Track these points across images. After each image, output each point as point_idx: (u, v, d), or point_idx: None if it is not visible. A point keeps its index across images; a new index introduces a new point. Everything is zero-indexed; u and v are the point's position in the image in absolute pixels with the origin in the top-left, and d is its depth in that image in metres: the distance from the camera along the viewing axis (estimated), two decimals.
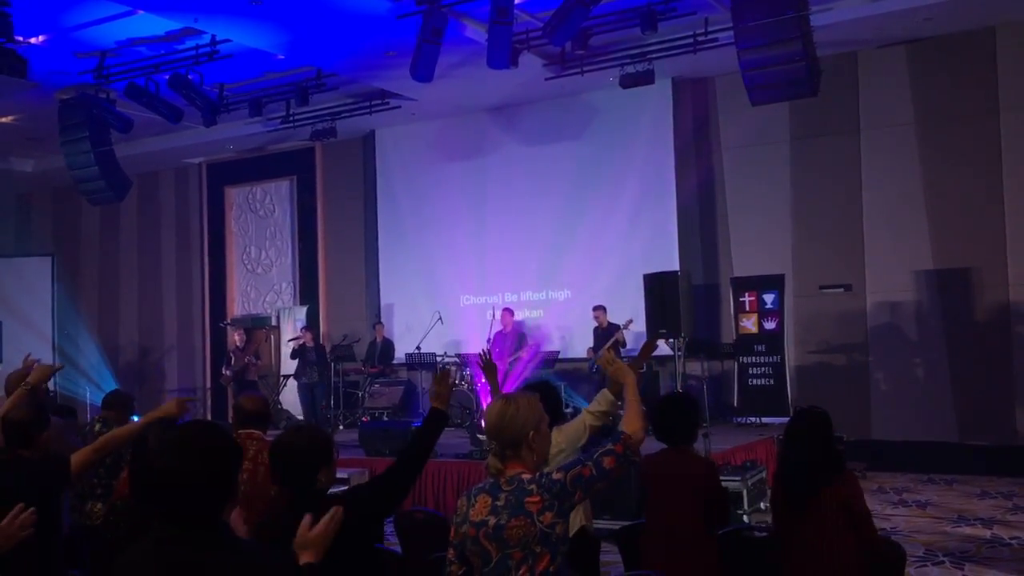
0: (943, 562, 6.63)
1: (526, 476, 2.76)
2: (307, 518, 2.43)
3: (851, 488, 4.02)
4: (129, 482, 4.45)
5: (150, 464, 2.18)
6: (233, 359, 13.46)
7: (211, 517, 2.18)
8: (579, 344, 12.26)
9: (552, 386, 4.28)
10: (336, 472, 3.28)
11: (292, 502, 3.08)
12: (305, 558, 2.38)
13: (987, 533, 7.53)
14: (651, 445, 4.93)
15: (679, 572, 4.07)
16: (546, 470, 2.82)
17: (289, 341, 13.83)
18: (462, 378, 11.79)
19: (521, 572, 2.68)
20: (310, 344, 13.11)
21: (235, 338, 13.35)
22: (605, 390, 4.45)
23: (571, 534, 4.09)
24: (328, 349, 13.62)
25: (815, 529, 3.96)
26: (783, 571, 4.13)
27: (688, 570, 4.11)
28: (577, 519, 4.19)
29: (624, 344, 11.63)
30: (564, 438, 4.14)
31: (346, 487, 3.46)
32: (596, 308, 11.74)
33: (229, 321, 15.97)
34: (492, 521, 2.72)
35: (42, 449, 3.97)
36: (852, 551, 3.96)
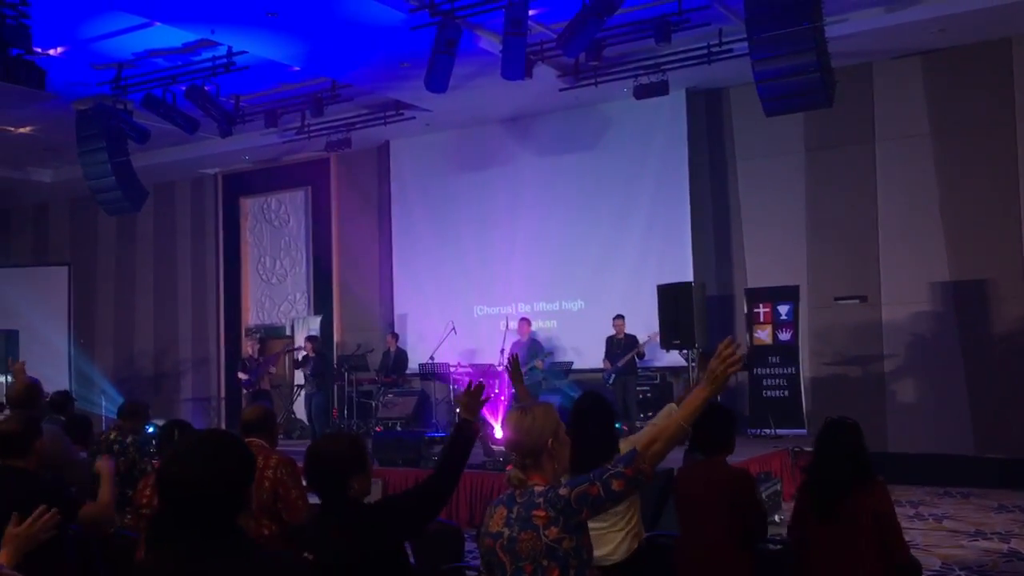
0: None
1: (538, 488, 2.74)
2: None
3: (881, 497, 3.98)
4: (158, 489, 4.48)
5: (167, 470, 2.19)
6: (247, 366, 13.45)
7: (227, 524, 2.19)
8: (592, 355, 12.23)
9: (604, 398, 4.20)
10: (371, 481, 3.23)
11: (324, 510, 3.07)
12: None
13: (1004, 547, 7.46)
14: (673, 458, 4.90)
15: None
16: (559, 484, 2.77)
17: (286, 352, 13.80)
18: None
19: None
20: (311, 355, 13.00)
21: (247, 348, 13.36)
22: (672, 403, 4.45)
23: (635, 547, 4.04)
24: (336, 359, 13.60)
25: (843, 539, 3.92)
26: None
27: None
28: (641, 533, 4.09)
29: (643, 356, 11.63)
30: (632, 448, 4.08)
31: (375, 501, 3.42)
32: (617, 317, 11.72)
33: (252, 327, 16.00)
34: (506, 533, 2.72)
35: (36, 456, 3.98)
36: (879, 561, 3.92)
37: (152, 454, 5.88)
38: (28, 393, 5.31)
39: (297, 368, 13.22)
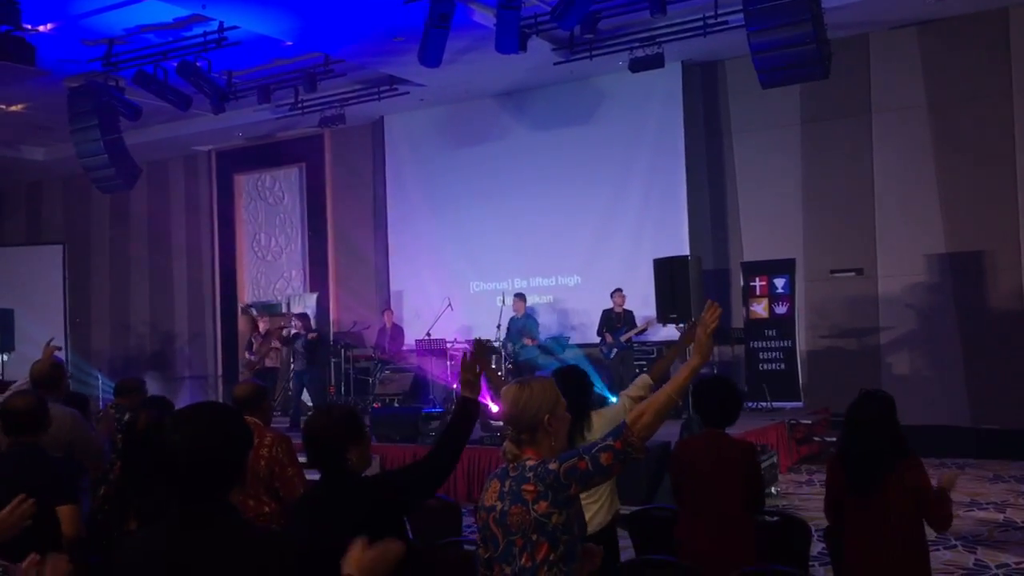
0: (955, 546, 6.61)
1: (530, 463, 2.72)
2: (362, 541, 2.26)
3: (918, 472, 3.91)
4: (121, 467, 4.48)
5: (166, 438, 2.19)
6: (254, 344, 13.28)
7: (221, 496, 2.20)
8: (589, 329, 12.24)
9: (583, 372, 4.21)
10: (370, 452, 3.23)
11: (324, 483, 3.08)
12: (348, 571, 2.23)
13: (1000, 517, 7.51)
14: (666, 432, 4.91)
15: (721, 555, 3.99)
16: (549, 458, 2.75)
17: (277, 329, 13.64)
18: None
19: (523, 559, 2.65)
20: (301, 332, 12.64)
21: (261, 324, 13.09)
22: (644, 375, 4.43)
23: (609, 518, 4.07)
24: (332, 336, 13.50)
25: (881, 516, 3.86)
26: (843, 559, 4.06)
27: (729, 552, 4.04)
28: (614, 504, 4.13)
29: (645, 331, 11.62)
30: (606, 422, 4.09)
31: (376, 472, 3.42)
32: (616, 291, 11.71)
33: (250, 304, 15.94)
34: (499, 507, 2.71)
35: (45, 433, 4.00)
36: (918, 537, 3.90)
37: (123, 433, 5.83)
38: (53, 373, 5.29)
39: (285, 346, 13.03)
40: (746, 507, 4.24)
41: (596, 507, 4.01)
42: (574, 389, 3.68)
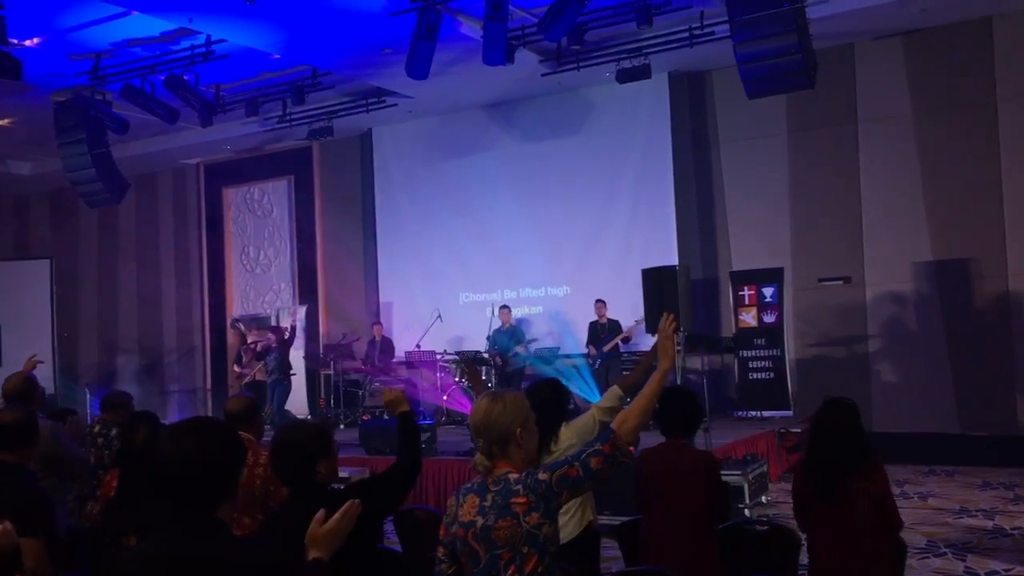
0: (945, 553, 6.62)
1: (513, 476, 2.74)
2: (320, 513, 2.45)
3: (879, 478, 3.99)
4: (118, 481, 4.45)
5: (162, 448, 2.22)
6: (243, 357, 13.22)
7: (213, 509, 2.21)
8: (577, 339, 12.24)
9: (560, 384, 4.27)
10: (337, 464, 3.30)
11: (295, 497, 3.10)
12: (315, 554, 2.39)
13: (989, 524, 7.52)
14: (647, 439, 4.92)
15: (680, 568, 4.04)
16: (536, 469, 2.78)
17: (254, 343, 13.52)
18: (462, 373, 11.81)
19: (510, 572, 2.66)
20: (274, 345, 12.41)
21: (269, 336, 12.84)
22: (615, 386, 4.45)
23: (579, 530, 4.09)
24: (321, 348, 13.42)
25: (844, 520, 3.94)
26: (812, 563, 4.11)
27: (689, 565, 4.08)
28: (586, 516, 4.15)
29: (629, 340, 11.66)
30: (574, 433, 4.12)
31: (344, 485, 3.48)
32: (598, 301, 11.74)
33: (237, 319, 15.86)
34: (480, 522, 2.71)
35: (30, 452, 3.94)
36: (882, 541, 3.95)
37: (119, 448, 5.77)
38: (24, 387, 5.24)
39: (259, 359, 12.88)
40: (709, 517, 4.27)
41: (565, 518, 4.01)
42: (542, 404, 3.69)
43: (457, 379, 12.11)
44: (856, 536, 3.92)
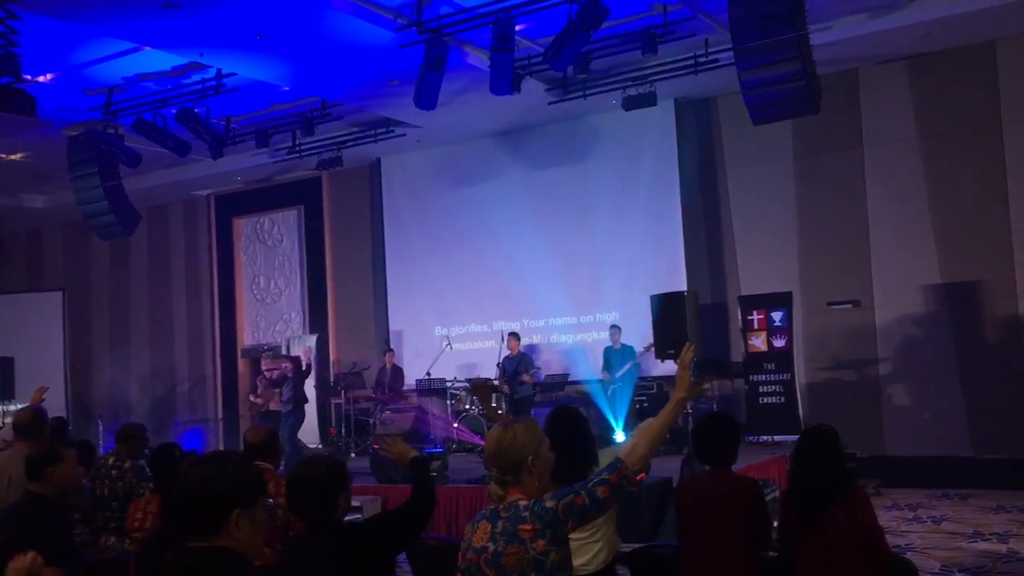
0: None
1: (522, 503, 2.77)
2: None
3: (861, 503, 4.01)
4: (159, 508, 4.49)
5: (187, 473, 2.31)
6: (259, 387, 13.18)
7: (227, 539, 2.26)
8: (587, 367, 12.24)
9: (575, 413, 4.19)
10: (351, 497, 3.33)
11: (311, 532, 3.12)
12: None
13: (1003, 548, 7.47)
14: (669, 467, 4.91)
15: None
16: (544, 497, 2.80)
17: (268, 371, 13.47)
18: (472, 403, 11.86)
19: None
20: (289, 375, 12.19)
21: (285, 365, 12.82)
22: (650, 419, 4.42)
23: (608, 560, 4.05)
24: (332, 377, 13.42)
25: (826, 547, 3.96)
26: None
27: None
28: (604, 549, 4.03)
29: (636, 363, 11.66)
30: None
31: (359, 515, 3.51)
32: (612, 327, 11.77)
33: (268, 347, 15.80)
34: (491, 548, 2.74)
35: (55, 484, 3.99)
36: (864, 567, 3.95)
37: (149, 478, 5.83)
38: (33, 419, 5.31)
39: (275, 388, 12.85)
40: (751, 544, 4.23)
41: (598, 546, 3.99)
42: (567, 430, 3.70)
43: (468, 406, 12.12)
44: (842, 561, 3.93)
